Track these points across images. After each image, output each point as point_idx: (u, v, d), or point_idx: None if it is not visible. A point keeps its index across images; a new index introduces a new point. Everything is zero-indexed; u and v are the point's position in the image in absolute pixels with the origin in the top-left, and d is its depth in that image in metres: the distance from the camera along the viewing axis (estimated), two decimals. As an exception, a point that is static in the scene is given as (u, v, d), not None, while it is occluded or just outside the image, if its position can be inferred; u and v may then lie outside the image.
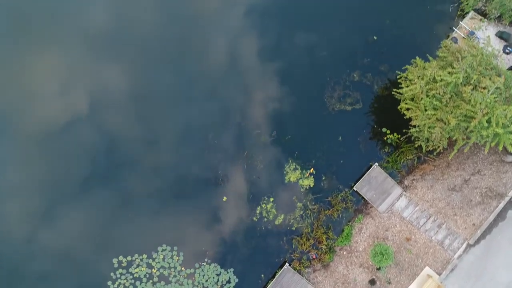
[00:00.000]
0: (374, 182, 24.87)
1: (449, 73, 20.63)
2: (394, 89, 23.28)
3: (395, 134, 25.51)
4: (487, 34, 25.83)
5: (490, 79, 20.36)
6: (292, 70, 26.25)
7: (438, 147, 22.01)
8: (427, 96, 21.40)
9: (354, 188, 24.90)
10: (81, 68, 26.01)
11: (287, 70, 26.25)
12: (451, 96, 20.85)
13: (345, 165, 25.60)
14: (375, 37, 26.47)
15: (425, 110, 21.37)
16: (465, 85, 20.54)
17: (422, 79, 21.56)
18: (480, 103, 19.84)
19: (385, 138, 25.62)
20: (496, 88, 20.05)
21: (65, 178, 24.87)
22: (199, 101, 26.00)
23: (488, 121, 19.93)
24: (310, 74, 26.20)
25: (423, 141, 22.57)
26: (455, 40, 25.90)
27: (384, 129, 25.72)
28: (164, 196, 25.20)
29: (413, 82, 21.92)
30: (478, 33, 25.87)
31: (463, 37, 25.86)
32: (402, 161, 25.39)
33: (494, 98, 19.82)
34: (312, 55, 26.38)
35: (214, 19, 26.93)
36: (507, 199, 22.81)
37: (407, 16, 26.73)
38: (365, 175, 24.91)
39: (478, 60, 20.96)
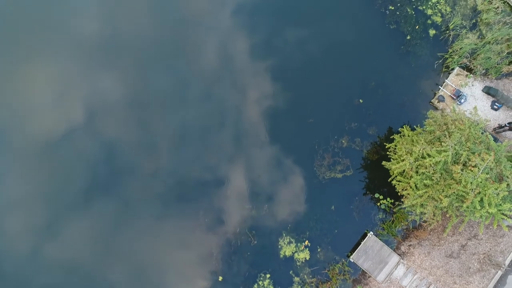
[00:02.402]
0: (371, 251, 24.46)
1: (437, 151, 20.25)
2: (383, 161, 22.90)
3: (388, 199, 25.11)
4: (473, 90, 25.50)
5: (479, 155, 19.96)
6: (280, 140, 25.83)
7: (432, 223, 21.62)
8: (417, 173, 21.02)
9: (351, 259, 24.48)
10: (76, 77, 26.04)
11: (274, 141, 25.85)
12: (441, 173, 20.46)
13: (340, 235, 25.20)
14: (361, 100, 26.04)
15: (416, 187, 20.98)
16: (454, 163, 20.16)
17: (411, 155, 21.18)
18: (471, 183, 19.46)
19: (379, 204, 25.22)
20: (487, 165, 19.68)
21: (66, 189, 24.95)
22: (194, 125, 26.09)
23: (481, 201, 19.55)
24: (298, 143, 25.79)
25: (417, 215, 22.19)
26: (441, 99, 25.49)
27: (377, 195, 25.32)
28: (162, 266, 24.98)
29: (401, 158, 21.54)
30: (465, 90, 25.46)
31: (450, 96, 25.47)
32: (397, 226, 25.01)
33: (485, 177, 19.42)
34: (298, 123, 25.95)
35: (207, 23, 27.02)
36: (504, 267, 22.44)
37: (391, 75, 26.27)
38: (361, 244, 24.50)
39: (466, 134, 20.55)
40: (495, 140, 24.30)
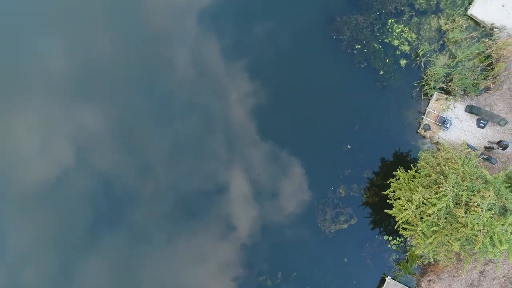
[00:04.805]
0: (392, 296, 24.32)
1: (437, 198, 20.05)
2: (386, 209, 22.64)
3: (398, 238, 24.96)
4: (457, 112, 25.36)
5: (479, 192, 19.82)
6: (277, 203, 25.58)
7: (448, 264, 21.47)
8: (421, 219, 20.81)
9: (375, 308, 24.34)
10: (58, 118, 26.09)
11: (270, 205, 25.60)
12: (446, 217, 20.29)
13: (359, 285, 24.94)
14: (348, 146, 25.83)
15: (424, 235, 20.78)
16: (456, 205, 19.99)
17: (411, 203, 20.98)
18: (477, 224, 19.30)
19: (389, 245, 25.04)
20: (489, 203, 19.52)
21: (73, 231, 25.04)
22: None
23: (491, 239, 19.39)
24: (297, 203, 25.51)
25: (430, 259, 22.00)
26: (427, 127, 25.33)
27: (385, 237, 25.14)
28: None
29: (403, 207, 21.34)
30: (448, 114, 25.29)
31: (435, 123, 25.33)
32: (413, 265, 24.82)
33: (490, 214, 19.26)
34: (292, 182, 25.71)
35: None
36: (528, 291, 22.41)
37: (373, 114, 26.05)
38: (382, 291, 24.35)
39: (461, 173, 20.39)
40: (489, 159, 24.23)
